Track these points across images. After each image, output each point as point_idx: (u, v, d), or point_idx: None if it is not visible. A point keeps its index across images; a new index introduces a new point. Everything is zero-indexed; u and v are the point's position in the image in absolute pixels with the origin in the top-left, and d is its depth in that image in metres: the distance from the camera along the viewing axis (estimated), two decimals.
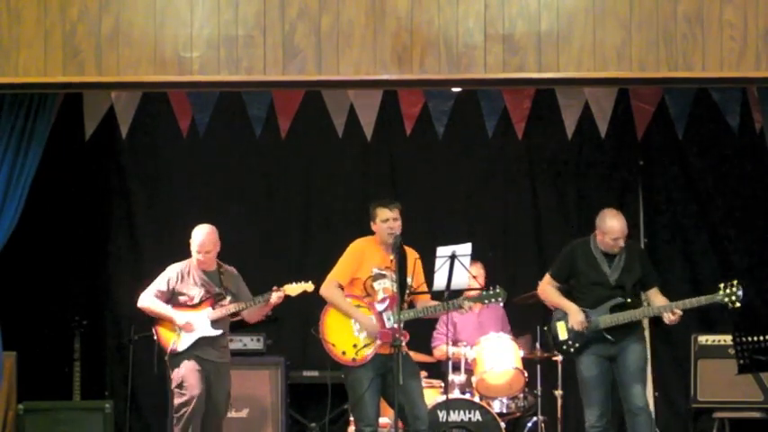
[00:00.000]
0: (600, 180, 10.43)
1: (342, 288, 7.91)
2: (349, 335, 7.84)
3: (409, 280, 7.90)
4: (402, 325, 7.75)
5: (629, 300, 8.03)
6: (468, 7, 7.62)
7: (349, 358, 7.81)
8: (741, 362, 8.03)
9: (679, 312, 7.95)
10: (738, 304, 7.87)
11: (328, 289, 7.91)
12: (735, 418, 9.65)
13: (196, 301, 8.34)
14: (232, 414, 9.20)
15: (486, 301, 8.09)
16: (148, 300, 8.37)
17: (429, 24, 7.61)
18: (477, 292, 8.18)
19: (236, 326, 9.58)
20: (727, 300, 7.88)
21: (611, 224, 8.05)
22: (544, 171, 10.51)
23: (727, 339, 9.28)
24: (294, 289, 8.46)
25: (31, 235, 9.09)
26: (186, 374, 8.25)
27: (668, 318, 7.97)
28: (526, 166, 10.53)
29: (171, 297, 8.38)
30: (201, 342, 8.29)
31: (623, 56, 7.61)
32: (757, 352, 7.93)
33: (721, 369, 9.29)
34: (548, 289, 8.27)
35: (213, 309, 8.33)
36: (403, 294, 7.81)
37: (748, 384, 9.23)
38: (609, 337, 7.98)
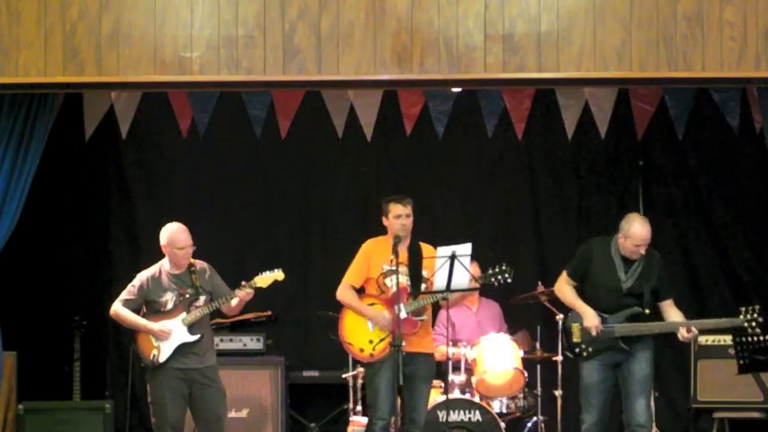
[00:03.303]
0: (600, 180, 10.43)
1: (356, 290, 8.06)
2: (364, 332, 7.99)
3: (425, 273, 8.00)
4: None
5: (647, 311, 7.95)
6: (468, 8, 7.62)
7: (367, 354, 7.97)
8: (741, 362, 8.01)
9: (695, 331, 7.87)
10: (759, 330, 7.79)
11: (342, 292, 8.08)
12: (735, 418, 9.65)
13: (170, 306, 8.02)
14: (232, 414, 9.19)
15: (494, 279, 8.10)
16: (118, 308, 8.06)
17: (429, 24, 7.61)
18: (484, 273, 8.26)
19: (237, 326, 9.61)
20: (746, 324, 7.80)
21: (636, 230, 7.90)
22: (544, 171, 10.51)
23: (727, 339, 9.27)
24: (264, 280, 8.07)
25: (31, 235, 9.09)
26: (161, 395, 7.98)
27: (683, 335, 7.89)
28: (526, 166, 10.52)
29: (144, 305, 8.08)
30: (182, 350, 7.99)
31: (623, 56, 7.60)
32: (757, 352, 7.92)
33: (721, 369, 9.29)
34: (564, 288, 8.16)
35: (188, 313, 8.01)
36: (418, 287, 7.94)
37: (748, 384, 9.22)
38: (624, 346, 7.93)
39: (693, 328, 7.88)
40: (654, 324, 7.95)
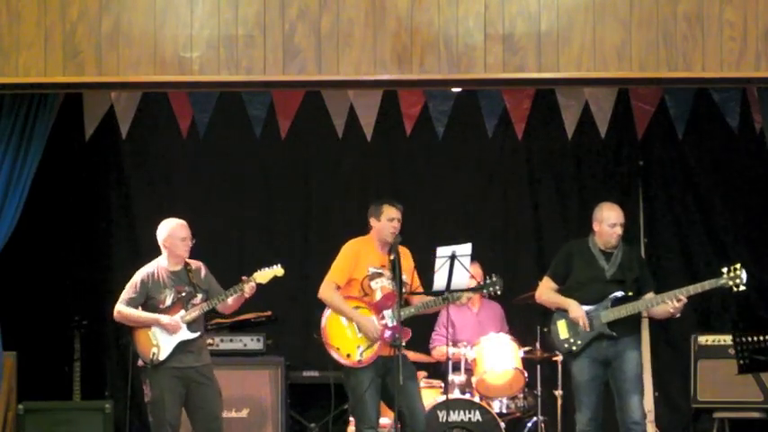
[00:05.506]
0: (600, 180, 10.42)
1: (339, 289, 7.90)
2: (352, 337, 7.84)
3: (405, 277, 7.89)
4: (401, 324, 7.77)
5: (630, 293, 8.02)
6: (468, 7, 7.63)
7: (354, 360, 7.81)
8: (741, 362, 8.02)
9: (684, 300, 7.89)
10: (743, 287, 7.87)
11: (327, 292, 7.88)
12: (735, 418, 9.65)
13: (168, 303, 8.02)
14: (232, 414, 9.20)
15: (485, 291, 8.09)
16: (122, 308, 8.04)
17: (429, 24, 7.61)
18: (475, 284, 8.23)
19: (237, 326, 9.61)
20: (731, 283, 7.86)
21: (607, 210, 8.10)
22: (544, 171, 10.50)
23: (727, 339, 9.28)
24: (264, 276, 8.06)
25: (31, 235, 9.09)
26: (159, 395, 7.96)
27: (672, 306, 7.90)
28: (526, 166, 10.52)
29: (144, 302, 8.05)
30: (181, 348, 7.98)
31: (623, 56, 7.61)
32: (757, 352, 7.93)
33: (721, 369, 9.29)
34: (545, 291, 8.24)
35: (186, 310, 8.02)
36: (401, 292, 7.81)
37: (748, 384, 9.22)
38: (612, 332, 7.96)
39: (682, 297, 7.89)
40: (638, 303, 8.01)
